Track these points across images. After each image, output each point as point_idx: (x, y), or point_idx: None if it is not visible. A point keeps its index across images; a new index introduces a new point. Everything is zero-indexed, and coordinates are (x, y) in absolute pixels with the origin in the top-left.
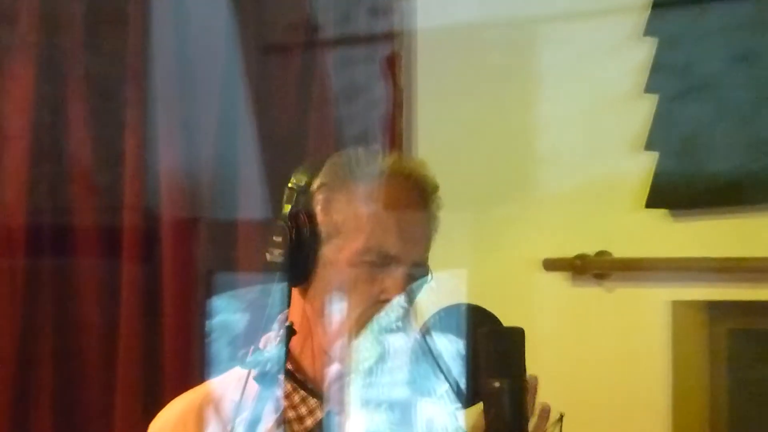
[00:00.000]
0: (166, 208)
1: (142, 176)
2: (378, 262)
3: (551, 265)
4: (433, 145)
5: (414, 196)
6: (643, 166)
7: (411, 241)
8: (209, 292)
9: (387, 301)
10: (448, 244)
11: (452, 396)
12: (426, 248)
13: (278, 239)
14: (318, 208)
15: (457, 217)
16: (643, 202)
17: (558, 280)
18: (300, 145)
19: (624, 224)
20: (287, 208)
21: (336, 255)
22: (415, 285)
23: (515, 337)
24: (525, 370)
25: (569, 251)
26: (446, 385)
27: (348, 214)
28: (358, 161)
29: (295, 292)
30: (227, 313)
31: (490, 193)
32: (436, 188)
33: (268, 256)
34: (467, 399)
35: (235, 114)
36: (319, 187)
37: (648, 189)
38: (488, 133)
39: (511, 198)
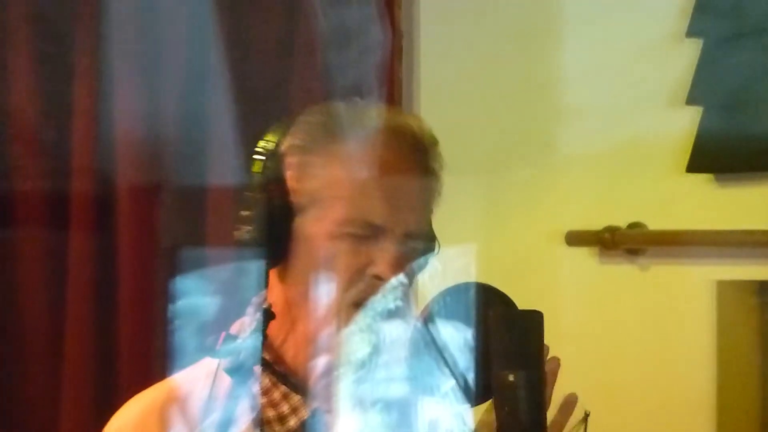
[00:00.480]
0: (123, 171)
1: (95, 134)
2: (362, 234)
3: (576, 238)
4: (437, 99)
5: (404, 153)
6: (683, 124)
7: (401, 207)
8: (173, 270)
9: (378, 278)
10: (455, 214)
11: (459, 393)
12: (422, 216)
13: (246, 213)
14: (290, 174)
15: (465, 184)
16: (684, 166)
17: (584, 256)
18: (281, 99)
19: (661, 191)
20: (255, 177)
21: (314, 228)
22: (413, 260)
23: (533, 322)
24: (544, 360)
25: (597, 223)
26: (452, 381)
27: (325, 179)
28: (335, 116)
29: (273, 270)
30: (194, 295)
31: (505, 155)
32: (433, 143)
33: (236, 234)
34: (476, 395)
35: (204, 61)
36: (289, 149)
37: (689, 150)
38: (503, 84)
39: (530, 161)
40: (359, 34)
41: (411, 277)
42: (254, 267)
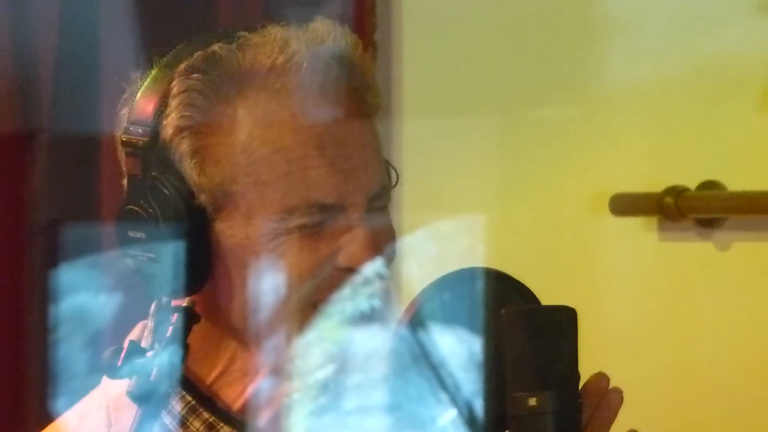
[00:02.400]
0: None
1: None
2: (315, 220)
3: (626, 204)
4: (429, 10)
5: (334, 90)
6: None
7: (355, 168)
8: (52, 256)
9: (350, 270)
10: (460, 172)
11: (462, 427)
12: (380, 165)
13: (137, 235)
14: (187, 165)
15: (471, 129)
16: None
17: (637, 229)
18: (205, 12)
19: (744, 139)
20: (135, 181)
21: (243, 229)
22: (389, 230)
23: (563, 324)
24: (578, 376)
25: (655, 183)
26: (452, 410)
27: (238, 162)
28: (228, 70)
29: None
30: (83, 292)
31: (526, 89)
32: (366, 63)
33: (130, 263)
34: (486, 428)
35: None
36: (177, 134)
37: None
38: None
39: (560, 96)
40: None
41: (390, 260)
42: (170, 248)
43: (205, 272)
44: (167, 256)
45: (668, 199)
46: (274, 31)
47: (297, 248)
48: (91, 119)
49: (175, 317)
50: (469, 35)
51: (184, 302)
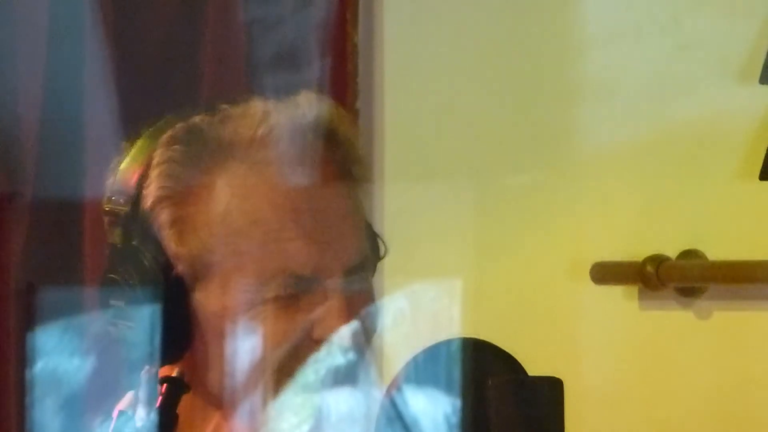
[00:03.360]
0: None
1: None
2: (290, 291)
3: (606, 273)
4: (409, 74)
5: (313, 158)
6: (757, 109)
7: (333, 239)
8: (30, 318)
9: (328, 339)
10: (436, 238)
11: None
12: (359, 236)
13: (118, 303)
14: (165, 235)
15: (448, 195)
16: (757, 172)
17: (617, 297)
18: (188, 76)
19: (725, 207)
20: (116, 251)
21: (218, 303)
22: (365, 300)
23: (550, 394)
24: None
25: (636, 251)
26: None
27: (215, 232)
28: (204, 141)
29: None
30: (60, 354)
31: (503, 153)
32: (352, 130)
33: (112, 330)
34: None
35: (76, 31)
36: (156, 204)
37: (766, 149)
38: (500, 53)
39: (538, 160)
40: None
41: (369, 332)
42: (147, 312)
43: (185, 341)
44: (146, 325)
45: (649, 268)
46: (255, 104)
47: (273, 319)
48: (73, 184)
49: (164, 387)
50: (449, 102)
51: (174, 372)
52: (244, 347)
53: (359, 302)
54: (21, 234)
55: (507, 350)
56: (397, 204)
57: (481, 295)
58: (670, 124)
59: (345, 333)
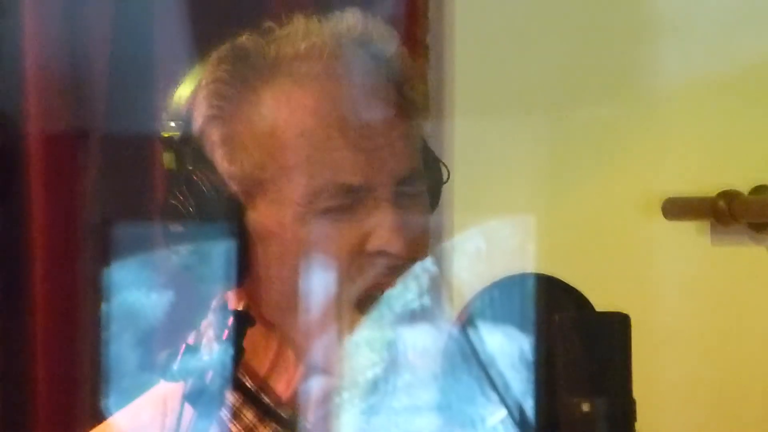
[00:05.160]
0: (35, 116)
1: None
2: (340, 203)
3: (678, 208)
4: (481, 11)
5: (361, 72)
6: None
7: (381, 150)
8: (105, 254)
9: (383, 253)
10: (506, 173)
11: (512, 427)
12: (410, 149)
13: (178, 230)
14: (218, 156)
15: (518, 129)
16: None
17: (689, 233)
18: (256, 8)
19: None
20: (174, 172)
21: (273, 219)
22: (424, 217)
23: (616, 330)
24: (631, 382)
25: (708, 186)
26: (502, 410)
27: (265, 147)
28: (252, 58)
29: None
30: (135, 290)
31: (573, 88)
32: (400, 50)
33: (174, 257)
34: (537, 431)
35: None
36: (207, 124)
37: None
38: None
39: (609, 95)
40: None
41: (438, 256)
42: (222, 248)
43: (244, 265)
44: (206, 249)
45: (721, 203)
46: (300, 21)
47: (326, 232)
48: (144, 119)
49: (230, 320)
50: (519, 36)
51: (240, 306)
52: (299, 263)
53: (412, 215)
54: (94, 170)
55: (576, 286)
56: (468, 139)
57: (551, 230)
58: (744, 59)
59: (399, 243)
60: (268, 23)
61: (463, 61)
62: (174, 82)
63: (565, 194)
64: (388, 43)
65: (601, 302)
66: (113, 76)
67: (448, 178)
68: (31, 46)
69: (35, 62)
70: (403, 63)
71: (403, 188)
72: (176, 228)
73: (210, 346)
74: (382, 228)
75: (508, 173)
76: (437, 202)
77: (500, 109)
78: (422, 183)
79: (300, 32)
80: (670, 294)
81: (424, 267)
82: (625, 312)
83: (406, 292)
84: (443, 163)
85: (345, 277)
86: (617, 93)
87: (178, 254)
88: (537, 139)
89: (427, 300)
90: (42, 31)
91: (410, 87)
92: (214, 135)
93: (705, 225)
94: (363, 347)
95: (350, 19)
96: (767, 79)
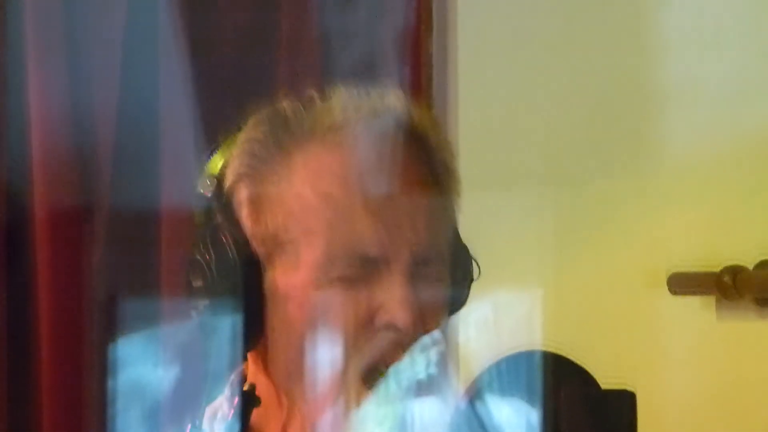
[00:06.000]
0: (41, 191)
1: (2, 142)
2: (356, 274)
3: (683, 283)
4: (482, 83)
5: (391, 148)
6: None
7: (403, 226)
8: (111, 329)
9: (392, 326)
10: (512, 246)
11: None
12: (436, 232)
13: (199, 284)
14: (245, 213)
15: (524, 203)
16: None
17: (694, 308)
18: (262, 85)
19: None
20: (201, 226)
21: (289, 281)
22: (439, 298)
23: (622, 406)
24: None
25: (713, 261)
26: None
27: (289, 210)
28: (286, 122)
29: (250, 355)
30: (142, 365)
31: (580, 161)
32: (437, 132)
33: (195, 315)
34: None
35: (153, 39)
36: (236, 182)
37: None
38: (574, 59)
39: (616, 169)
40: None
41: (445, 328)
42: (228, 323)
43: (258, 325)
44: (223, 307)
45: (726, 279)
46: (341, 95)
47: (338, 300)
48: (150, 194)
49: (236, 401)
50: (526, 107)
51: (245, 386)
52: (308, 330)
53: (427, 296)
54: (100, 246)
55: (583, 361)
56: (475, 211)
57: (558, 303)
58: (750, 132)
59: (408, 319)
60: (311, 93)
61: (470, 133)
62: (182, 160)
63: (571, 267)
64: (427, 126)
65: (607, 376)
66: (119, 152)
67: (479, 276)
68: (37, 122)
69: (41, 137)
70: (437, 143)
71: (421, 268)
72: (196, 282)
73: (220, 423)
74: (392, 302)
75: (514, 246)
76: (464, 302)
77: (506, 181)
78: (442, 268)
79: (340, 105)
80: (676, 369)
81: (432, 338)
82: (630, 387)
83: (413, 364)
84: (475, 261)
85: (352, 348)
86: (623, 167)
87: (195, 309)
88: (543, 212)
89: (434, 371)
90: (48, 106)
91: (441, 168)
92: (243, 193)
93: (710, 300)
94: (370, 422)
95: (392, 99)
96: None
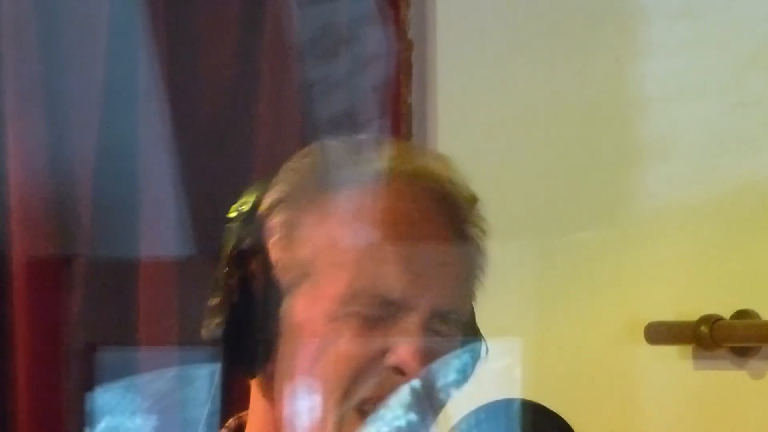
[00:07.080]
0: (18, 239)
1: None
2: (374, 313)
3: (660, 333)
4: (460, 132)
5: (427, 205)
6: None
7: (426, 277)
8: (89, 378)
9: (399, 371)
10: (492, 297)
11: None
12: (457, 291)
13: (215, 302)
14: (273, 241)
15: (504, 254)
16: None
17: (672, 357)
18: (243, 137)
19: None
20: (227, 251)
21: (307, 311)
22: (447, 351)
23: None
24: None
25: (690, 311)
26: None
27: (319, 242)
28: (329, 157)
29: (255, 381)
30: (120, 414)
31: (558, 213)
32: (470, 196)
33: (204, 333)
34: None
35: (133, 87)
36: (270, 208)
37: None
38: (553, 110)
39: (593, 221)
40: (352, 41)
41: (431, 378)
42: (206, 372)
43: (270, 350)
44: (235, 326)
45: (703, 328)
46: (392, 146)
47: (350, 336)
48: (129, 243)
49: None
50: (506, 159)
51: (233, 426)
52: (316, 361)
53: (438, 351)
54: (78, 295)
55: (560, 409)
56: None
57: (536, 353)
58: (727, 184)
59: (417, 368)
60: (361, 137)
61: None
62: (160, 210)
63: (549, 318)
64: (457, 187)
65: (585, 426)
66: (98, 200)
67: (486, 354)
68: (15, 170)
69: (20, 185)
70: (468, 205)
71: (437, 323)
72: (213, 301)
73: None
74: (405, 347)
75: (494, 295)
76: (469, 376)
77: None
78: (456, 329)
79: (389, 155)
80: (654, 418)
81: (420, 381)
82: None
83: (396, 405)
84: (485, 340)
85: (354, 382)
86: (601, 218)
87: (207, 328)
88: (522, 264)
89: (413, 417)
90: (26, 154)
91: (471, 227)
92: (278, 218)
93: (687, 350)
94: None
95: (438, 163)
96: (747, 206)
